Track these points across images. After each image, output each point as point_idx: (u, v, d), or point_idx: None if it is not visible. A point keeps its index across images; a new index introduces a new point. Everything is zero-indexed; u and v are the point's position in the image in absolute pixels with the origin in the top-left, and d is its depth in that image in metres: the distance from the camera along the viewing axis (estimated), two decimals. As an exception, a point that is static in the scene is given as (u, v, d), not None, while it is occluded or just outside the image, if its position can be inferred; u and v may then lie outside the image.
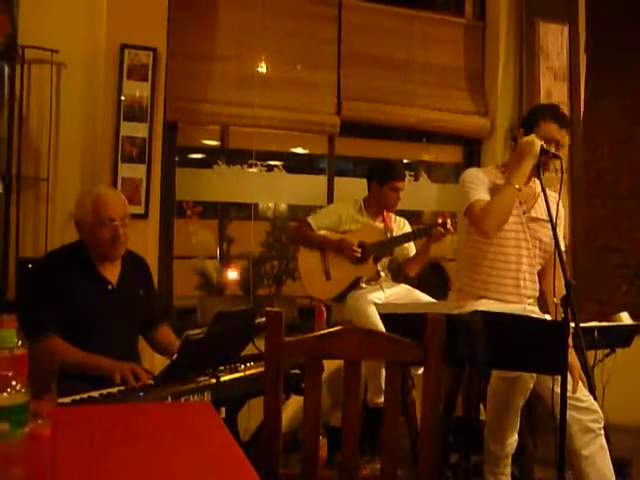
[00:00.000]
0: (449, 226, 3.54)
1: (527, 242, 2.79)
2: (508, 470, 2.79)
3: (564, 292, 2.21)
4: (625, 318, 3.37)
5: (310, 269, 3.83)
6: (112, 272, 2.66)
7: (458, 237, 3.10)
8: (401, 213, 4.06)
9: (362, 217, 3.87)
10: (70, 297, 2.51)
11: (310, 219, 3.85)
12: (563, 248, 2.58)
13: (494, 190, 2.75)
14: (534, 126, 2.76)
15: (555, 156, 2.67)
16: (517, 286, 2.79)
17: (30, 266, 3.20)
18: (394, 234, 3.86)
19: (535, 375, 2.54)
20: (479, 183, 2.79)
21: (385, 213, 3.91)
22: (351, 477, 1.71)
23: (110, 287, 2.63)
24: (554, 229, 2.48)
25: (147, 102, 3.68)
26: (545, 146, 2.65)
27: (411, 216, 4.32)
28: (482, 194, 2.75)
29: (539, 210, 2.79)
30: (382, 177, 3.83)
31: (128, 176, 3.66)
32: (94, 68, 3.62)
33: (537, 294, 2.86)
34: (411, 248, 3.90)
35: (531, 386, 2.60)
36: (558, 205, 2.53)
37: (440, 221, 3.57)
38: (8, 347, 1.13)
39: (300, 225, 3.91)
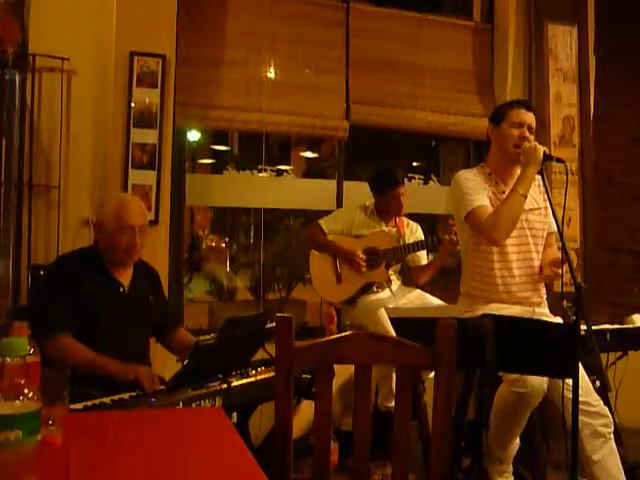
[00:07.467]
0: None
1: (527, 238, 2.80)
2: (511, 468, 2.79)
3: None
4: (638, 320, 3.34)
5: (321, 272, 3.83)
6: (124, 276, 2.70)
7: (460, 242, 3.08)
8: (412, 217, 4.04)
9: (374, 222, 3.85)
10: (83, 297, 2.54)
11: (322, 222, 3.84)
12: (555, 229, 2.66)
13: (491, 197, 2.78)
14: (503, 117, 2.84)
15: (559, 160, 2.66)
16: (524, 289, 2.78)
17: (42, 273, 3.23)
18: (407, 239, 3.84)
19: (546, 389, 2.52)
20: (476, 187, 2.78)
21: (397, 218, 3.90)
22: (362, 482, 1.71)
23: (122, 290, 2.67)
24: (555, 215, 2.53)
25: (157, 108, 3.71)
26: (545, 151, 2.66)
27: (424, 220, 4.29)
28: (483, 200, 2.75)
29: (530, 200, 2.79)
30: (379, 188, 3.83)
31: (138, 182, 3.67)
32: (104, 75, 3.64)
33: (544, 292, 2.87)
34: (422, 255, 3.89)
35: (540, 399, 2.58)
36: (547, 189, 2.61)
37: (449, 236, 3.56)
38: (20, 355, 1.14)
39: (312, 229, 3.91)
